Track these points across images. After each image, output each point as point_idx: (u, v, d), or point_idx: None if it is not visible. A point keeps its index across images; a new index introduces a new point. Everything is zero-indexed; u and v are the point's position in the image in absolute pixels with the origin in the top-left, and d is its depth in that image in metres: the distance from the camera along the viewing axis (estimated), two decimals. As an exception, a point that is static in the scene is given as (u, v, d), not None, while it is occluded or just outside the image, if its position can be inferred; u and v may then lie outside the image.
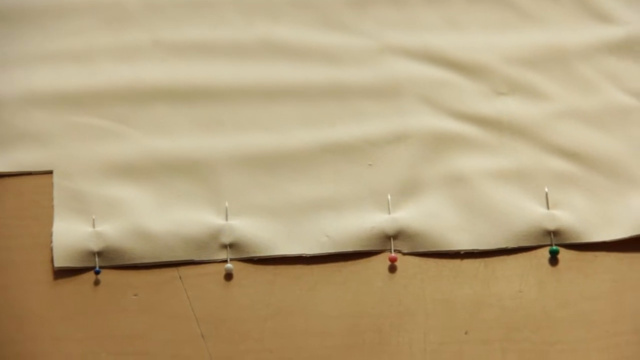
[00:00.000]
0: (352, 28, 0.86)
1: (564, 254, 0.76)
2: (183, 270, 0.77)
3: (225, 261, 0.77)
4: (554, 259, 0.76)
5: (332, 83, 0.83)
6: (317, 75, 0.84)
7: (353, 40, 0.85)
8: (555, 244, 0.76)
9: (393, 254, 0.77)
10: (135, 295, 0.76)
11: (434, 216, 0.77)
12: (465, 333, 0.74)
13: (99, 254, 0.77)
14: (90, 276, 0.77)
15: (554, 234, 0.76)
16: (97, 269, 0.77)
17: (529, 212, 0.77)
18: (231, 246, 0.78)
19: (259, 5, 0.87)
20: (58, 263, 0.76)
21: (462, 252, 0.77)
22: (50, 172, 0.80)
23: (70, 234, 0.77)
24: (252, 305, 0.76)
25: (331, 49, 0.85)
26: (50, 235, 0.78)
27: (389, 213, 0.78)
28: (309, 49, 0.85)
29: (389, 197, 0.78)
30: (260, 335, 0.75)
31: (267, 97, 0.83)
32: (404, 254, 0.77)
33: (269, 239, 0.77)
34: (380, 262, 0.77)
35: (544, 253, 0.76)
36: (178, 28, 0.87)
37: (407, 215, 0.78)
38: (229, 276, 0.77)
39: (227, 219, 0.78)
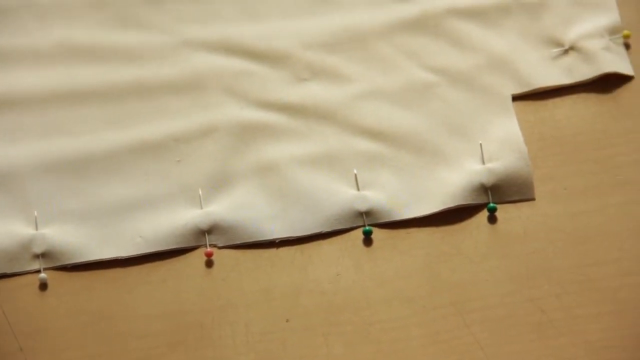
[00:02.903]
0: (150, 25, 0.85)
1: (377, 234, 0.77)
2: (-4, 284, 0.75)
3: (38, 271, 0.75)
4: (368, 240, 0.77)
5: (134, 82, 0.82)
6: (118, 75, 0.82)
7: (151, 37, 0.84)
8: (368, 224, 0.77)
9: (209, 249, 0.76)
10: (-52, 315, 0.74)
11: (246, 207, 0.77)
12: (287, 321, 0.74)
13: None
14: None
15: (366, 214, 0.77)
16: None
17: (340, 195, 0.78)
18: (43, 255, 0.76)
19: (54, 9, 0.85)
20: None
21: (277, 241, 0.77)
22: None
23: None
24: (71, 313, 0.74)
25: (130, 48, 0.84)
26: None
27: (202, 208, 0.77)
28: (107, 49, 0.84)
29: (200, 192, 0.78)
30: (82, 342, 0.73)
31: (69, 101, 0.81)
32: (220, 247, 0.77)
33: (82, 245, 0.76)
34: (197, 258, 0.76)
35: (358, 234, 0.77)
36: None
37: (220, 208, 0.77)
38: (43, 286, 0.75)
39: (37, 228, 0.77)
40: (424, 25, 0.85)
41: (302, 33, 0.85)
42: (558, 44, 0.85)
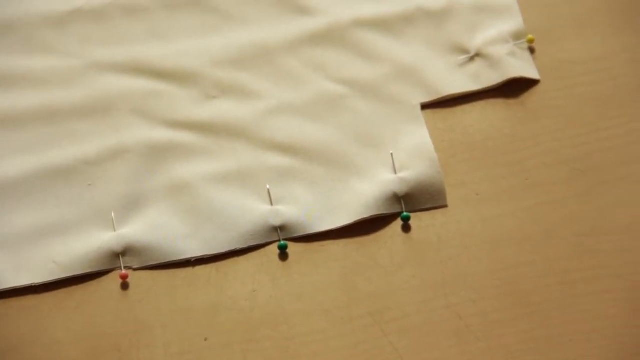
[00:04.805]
0: (55, 48, 0.84)
1: (293, 248, 0.77)
2: None
3: (-49, 301, 0.74)
4: (283, 254, 0.77)
5: (42, 107, 0.81)
6: (25, 101, 0.82)
7: (57, 60, 0.84)
8: (283, 239, 0.77)
9: (124, 271, 0.76)
10: None
11: (160, 227, 0.77)
12: (205, 340, 0.73)
13: None
14: None
15: (281, 229, 0.77)
16: None
17: (253, 211, 0.78)
18: (-44, 285, 0.75)
19: None
20: None
21: (192, 260, 0.76)
22: None
23: None
24: (-13, 342, 0.73)
25: (36, 72, 0.83)
26: None
27: (115, 230, 0.77)
28: (13, 75, 0.83)
29: (113, 214, 0.77)
30: (-1, 371, 0.72)
31: (-24, 129, 0.80)
32: (135, 269, 0.76)
33: (-6, 273, 0.75)
34: (112, 281, 0.76)
35: (274, 249, 0.77)
36: None
37: (134, 230, 0.77)
38: (-43, 316, 0.74)
39: (-52, 259, 0.76)
40: (330, 37, 0.85)
41: (209, 51, 0.85)
42: (464, 51, 0.85)
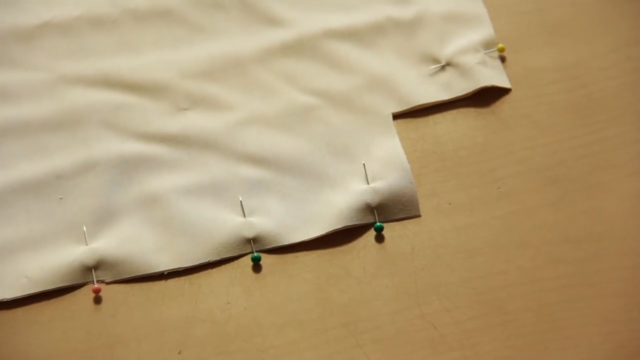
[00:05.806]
0: (24, 63, 0.84)
1: (266, 259, 0.77)
2: None
3: None
4: (257, 266, 0.76)
5: (10, 121, 0.81)
6: (-5, 115, 0.81)
7: (27, 74, 0.83)
8: (256, 251, 0.77)
9: (96, 285, 0.75)
10: None
11: (132, 241, 0.77)
12: (179, 353, 0.73)
13: None
14: None
15: (254, 241, 0.77)
16: None
17: (226, 223, 0.77)
18: None
19: None
20: None
21: (166, 273, 0.76)
22: None
23: None
24: (-42, 359, 0.73)
25: (5, 86, 0.83)
26: None
27: (87, 244, 0.76)
28: None
29: (85, 228, 0.77)
30: (-29, 388, 0.72)
31: (-57, 145, 0.80)
32: (108, 283, 0.76)
33: (-34, 289, 0.75)
34: (84, 295, 0.75)
35: (247, 261, 0.77)
36: None
37: (106, 243, 0.76)
38: None
39: None
40: (301, 48, 0.85)
41: (180, 63, 0.84)
42: (435, 60, 0.86)
